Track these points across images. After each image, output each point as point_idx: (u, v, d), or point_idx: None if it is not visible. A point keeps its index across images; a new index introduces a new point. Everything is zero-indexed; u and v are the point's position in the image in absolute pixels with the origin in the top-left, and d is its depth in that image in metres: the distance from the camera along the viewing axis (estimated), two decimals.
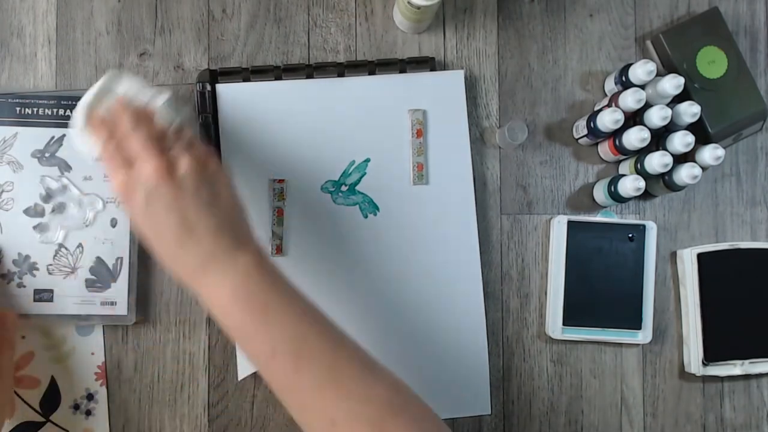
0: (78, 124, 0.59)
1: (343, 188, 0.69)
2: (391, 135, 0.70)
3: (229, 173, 0.59)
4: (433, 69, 0.71)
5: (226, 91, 0.69)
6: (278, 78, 0.69)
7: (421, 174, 0.70)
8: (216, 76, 0.69)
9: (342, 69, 0.70)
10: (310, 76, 0.70)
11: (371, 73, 0.70)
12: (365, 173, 0.69)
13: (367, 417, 0.51)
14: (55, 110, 0.67)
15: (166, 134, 0.57)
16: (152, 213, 0.54)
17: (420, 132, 0.70)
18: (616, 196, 0.69)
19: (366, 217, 0.69)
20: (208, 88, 0.68)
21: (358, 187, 0.69)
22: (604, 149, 0.71)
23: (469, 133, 0.71)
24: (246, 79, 0.69)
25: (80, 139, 0.59)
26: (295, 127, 0.69)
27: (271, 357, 0.53)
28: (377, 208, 0.69)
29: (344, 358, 0.54)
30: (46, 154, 0.66)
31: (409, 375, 0.68)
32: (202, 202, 0.54)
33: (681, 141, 0.66)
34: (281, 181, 0.68)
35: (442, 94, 0.70)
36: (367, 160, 0.69)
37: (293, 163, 0.69)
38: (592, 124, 0.68)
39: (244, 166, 0.68)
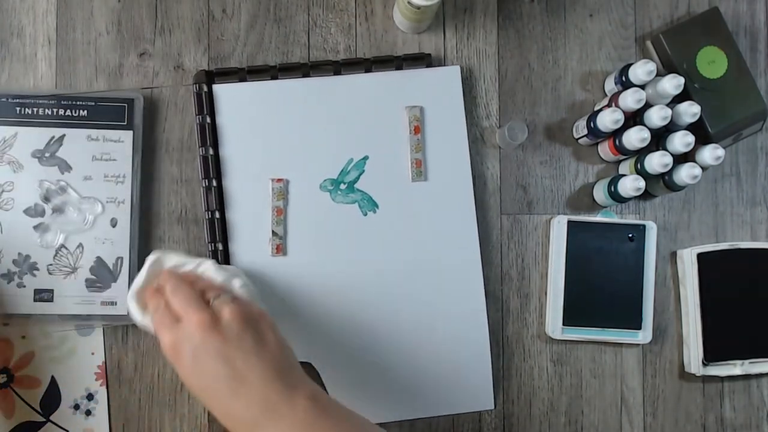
0: (131, 306, 0.61)
1: (342, 186, 0.69)
2: (388, 132, 0.70)
3: (271, 318, 0.59)
4: (429, 65, 0.71)
5: (223, 91, 0.69)
6: (275, 77, 0.69)
7: (419, 171, 0.70)
8: (213, 76, 0.69)
9: (338, 67, 0.70)
10: (306, 75, 0.70)
11: (368, 70, 0.70)
12: (364, 171, 0.69)
13: None
14: (55, 110, 0.67)
15: (209, 289, 0.58)
16: (201, 367, 0.54)
17: (417, 128, 0.70)
18: (616, 196, 0.69)
19: (365, 215, 0.69)
20: (205, 88, 0.68)
21: (356, 185, 0.69)
22: (604, 149, 0.71)
23: (469, 133, 0.71)
24: (243, 79, 0.69)
25: (136, 314, 0.61)
26: (292, 126, 0.69)
27: None
28: (376, 206, 0.69)
29: None
30: (47, 154, 0.66)
31: (410, 372, 0.69)
32: (249, 349, 0.54)
33: (681, 141, 0.66)
34: (280, 180, 0.68)
35: (438, 90, 0.70)
36: (366, 158, 0.69)
37: (292, 162, 0.69)
38: (592, 124, 0.68)
39: (243, 166, 0.68)
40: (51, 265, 0.66)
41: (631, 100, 0.65)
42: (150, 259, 0.62)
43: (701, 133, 0.69)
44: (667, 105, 0.66)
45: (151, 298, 0.60)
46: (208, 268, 0.62)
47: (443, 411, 0.69)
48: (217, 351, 0.53)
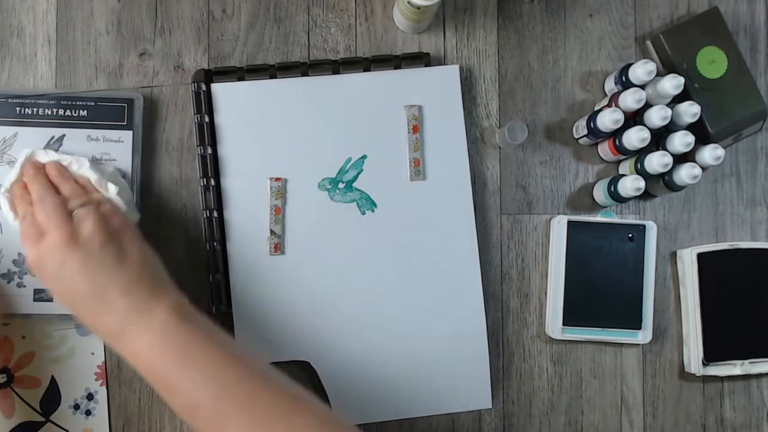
0: (4, 204, 0.62)
1: (341, 185, 0.69)
2: (387, 131, 0.70)
3: (134, 228, 0.60)
4: (428, 64, 0.71)
5: (221, 90, 0.69)
6: (273, 76, 0.69)
7: (418, 170, 0.70)
8: (211, 75, 0.69)
9: (337, 66, 0.70)
10: (305, 74, 0.70)
11: (366, 69, 0.70)
12: (362, 170, 0.69)
13: None
14: (55, 110, 0.67)
15: (74, 197, 0.59)
16: (64, 282, 0.55)
17: (416, 128, 0.70)
18: (616, 196, 0.69)
19: (364, 213, 0.69)
20: (204, 88, 0.68)
21: (355, 184, 0.69)
22: (604, 149, 0.71)
23: (469, 133, 0.71)
24: (241, 78, 0.69)
25: (9, 214, 0.62)
26: (291, 125, 0.69)
27: (195, 408, 0.53)
28: (375, 205, 0.69)
29: (268, 398, 0.53)
30: None
31: (408, 372, 0.69)
32: (109, 263, 0.55)
33: (681, 141, 0.66)
34: (279, 179, 0.68)
35: (437, 89, 0.70)
36: (364, 157, 0.69)
37: (290, 161, 0.69)
38: (592, 124, 0.68)
39: (241, 165, 0.68)
40: None
41: (631, 100, 0.65)
42: (24, 155, 0.63)
43: (701, 133, 0.69)
44: (667, 105, 0.66)
45: (19, 201, 0.61)
46: (83, 165, 0.63)
47: (441, 410, 0.69)
48: (78, 268, 0.54)
